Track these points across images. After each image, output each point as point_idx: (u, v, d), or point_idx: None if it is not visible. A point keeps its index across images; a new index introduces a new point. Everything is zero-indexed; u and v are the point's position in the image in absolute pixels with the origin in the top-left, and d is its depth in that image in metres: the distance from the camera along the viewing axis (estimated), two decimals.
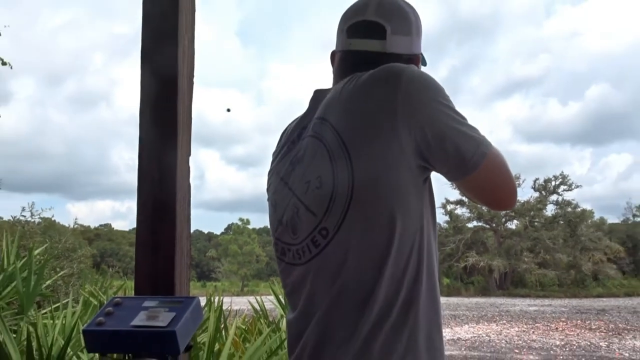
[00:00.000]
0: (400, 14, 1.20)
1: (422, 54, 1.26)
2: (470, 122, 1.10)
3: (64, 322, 4.15)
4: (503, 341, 14.20)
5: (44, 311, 5.22)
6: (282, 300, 5.33)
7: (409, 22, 1.20)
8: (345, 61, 1.22)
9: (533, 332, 16.14)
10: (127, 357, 1.10)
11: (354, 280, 1.05)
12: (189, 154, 1.46)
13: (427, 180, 1.11)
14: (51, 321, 4.28)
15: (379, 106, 1.05)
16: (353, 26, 1.20)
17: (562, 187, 40.10)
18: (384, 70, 1.09)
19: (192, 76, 1.46)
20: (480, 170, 1.07)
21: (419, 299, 1.06)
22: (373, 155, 1.04)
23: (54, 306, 5.25)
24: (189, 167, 1.45)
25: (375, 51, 1.18)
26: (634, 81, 64.87)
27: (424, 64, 1.28)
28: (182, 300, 1.17)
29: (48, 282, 6.72)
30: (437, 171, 1.11)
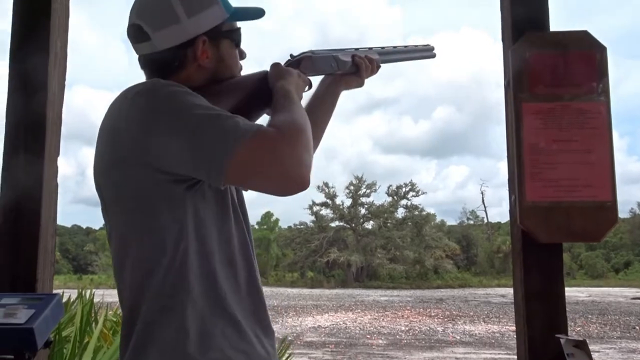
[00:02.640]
0: (156, 4, 1.03)
1: (225, 22, 1.07)
2: (215, 114, 0.91)
3: None
4: (357, 328, 14.80)
5: None
6: None
7: (169, 9, 1.02)
8: (140, 66, 1.09)
9: (383, 319, 17.00)
10: None
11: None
12: (57, 155, 1.37)
13: (195, 188, 0.96)
14: None
15: (115, 129, 0.98)
16: (128, 32, 1.07)
17: (411, 193, 42.76)
18: (120, 96, 1.00)
19: (64, 80, 1.37)
20: (231, 167, 0.88)
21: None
22: (115, 174, 0.98)
23: None
24: (56, 167, 1.37)
25: (150, 52, 1.04)
26: (473, 106, 71.27)
27: (241, 17, 1.10)
28: (42, 297, 1.10)
29: None
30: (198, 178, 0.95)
